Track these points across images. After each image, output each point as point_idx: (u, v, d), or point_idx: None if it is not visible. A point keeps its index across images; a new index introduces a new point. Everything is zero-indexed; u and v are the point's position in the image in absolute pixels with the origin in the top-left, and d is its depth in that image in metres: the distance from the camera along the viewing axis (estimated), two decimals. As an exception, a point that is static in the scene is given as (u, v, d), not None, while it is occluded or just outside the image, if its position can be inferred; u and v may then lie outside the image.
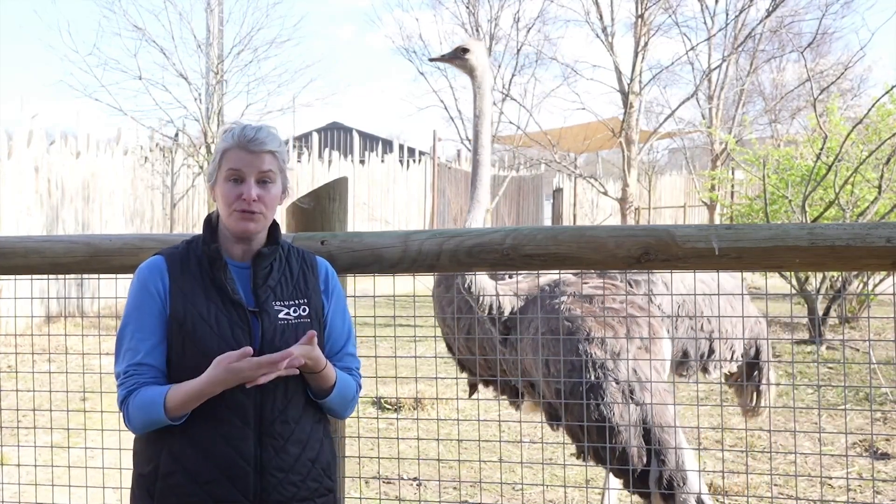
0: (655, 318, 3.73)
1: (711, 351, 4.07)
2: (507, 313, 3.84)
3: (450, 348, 4.31)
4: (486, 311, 3.83)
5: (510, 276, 4.10)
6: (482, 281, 3.81)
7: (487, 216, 16.78)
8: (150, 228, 14.33)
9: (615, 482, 4.08)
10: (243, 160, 2.19)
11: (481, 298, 3.79)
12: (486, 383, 4.22)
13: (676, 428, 3.51)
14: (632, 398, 3.49)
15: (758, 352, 4.35)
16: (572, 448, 4.28)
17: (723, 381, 4.44)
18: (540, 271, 3.77)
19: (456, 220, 19.17)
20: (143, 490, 2.18)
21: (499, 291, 3.84)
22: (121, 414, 2.18)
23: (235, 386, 2.09)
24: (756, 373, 4.41)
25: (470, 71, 4.26)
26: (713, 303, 3.96)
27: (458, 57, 4.26)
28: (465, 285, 3.77)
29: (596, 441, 3.45)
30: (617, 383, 3.49)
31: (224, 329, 2.14)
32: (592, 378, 3.49)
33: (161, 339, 2.16)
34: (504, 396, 4.18)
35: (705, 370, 4.13)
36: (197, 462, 2.12)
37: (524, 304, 3.87)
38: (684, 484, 3.46)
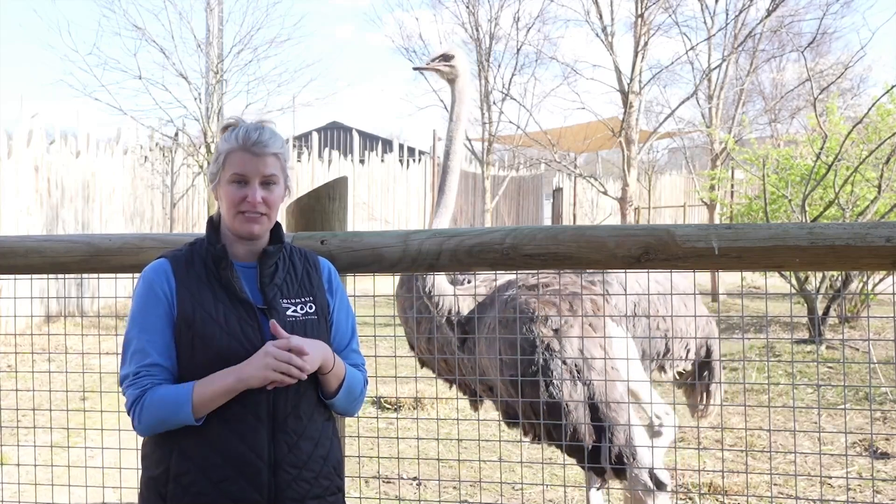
0: (599, 297, 3.75)
1: (667, 350, 4.11)
2: (464, 315, 3.86)
3: (412, 346, 4.33)
4: (445, 315, 3.84)
5: (468, 282, 4.12)
6: (441, 284, 3.81)
7: (487, 216, 16.87)
8: (150, 228, 14.33)
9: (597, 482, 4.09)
10: (247, 163, 2.19)
11: (440, 301, 3.79)
12: (447, 382, 4.25)
13: (626, 406, 3.55)
14: (578, 377, 3.52)
15: (709, 351, 4.40)
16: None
17: (675, 379, 4.48)
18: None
19: (456, 220, 19.17)
20: (153, 492, 2.16)
21: (457, 294, 3.84)
22: (129, 416, 2.14)
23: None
24: (706, 372, 4.45)
25: (452, 78, 4.29)
26: (667, 302, 4.00)
27: (440, 64, 4.29)
28: (426, 288, 3.78)
29: (548, 423, 3.48)
30: (564, 363, 3.52)
31: (233, 326, 2.14)
32: (540, 360, 3.53)
33: (169, 340, 2.15)
34: (464, 396, 4.21)
35: (662, 369, 4.17)
36: (210, 460, 2.11)
37: (481, 306, 3.89)
38: (634, 459, 3.49)
